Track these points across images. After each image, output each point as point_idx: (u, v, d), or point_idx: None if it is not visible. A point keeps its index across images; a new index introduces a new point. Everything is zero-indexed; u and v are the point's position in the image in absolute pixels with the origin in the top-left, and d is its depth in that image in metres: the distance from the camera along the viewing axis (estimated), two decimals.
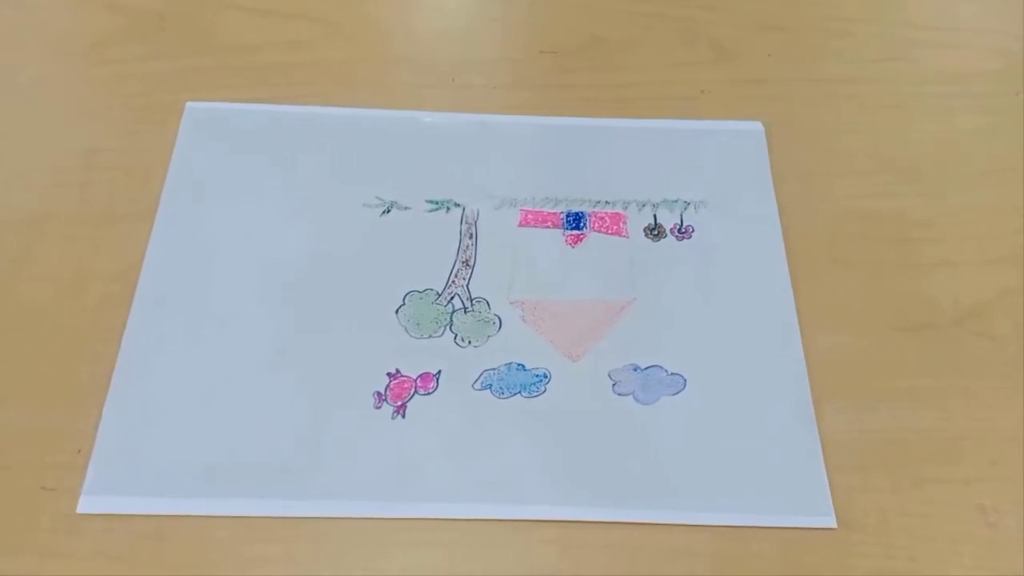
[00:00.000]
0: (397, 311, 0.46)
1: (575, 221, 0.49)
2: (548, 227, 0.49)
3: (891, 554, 0.40)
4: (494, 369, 0.44)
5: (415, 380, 0.44)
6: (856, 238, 0.50)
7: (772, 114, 0.54)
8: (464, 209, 0.50)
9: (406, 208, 0.49)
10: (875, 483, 0.42)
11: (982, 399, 0.44)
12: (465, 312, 0.46)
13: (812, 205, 0.51)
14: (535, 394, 0.44)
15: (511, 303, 0.47)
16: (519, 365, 0.45)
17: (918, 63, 0.57)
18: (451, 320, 0.46)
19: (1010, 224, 0.50)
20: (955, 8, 0.60)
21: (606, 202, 0.50)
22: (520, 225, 0.49)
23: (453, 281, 0.47)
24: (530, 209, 0.50)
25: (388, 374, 0.44)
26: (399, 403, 0.43)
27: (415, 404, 0.43)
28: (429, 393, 0.44)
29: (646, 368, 0.45)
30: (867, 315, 0.47)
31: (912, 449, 0.43)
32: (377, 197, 0.50)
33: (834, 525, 0.41)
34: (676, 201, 0.50)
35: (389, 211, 0.49)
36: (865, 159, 0.53)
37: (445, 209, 0.49)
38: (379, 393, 0.44)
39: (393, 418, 0.43)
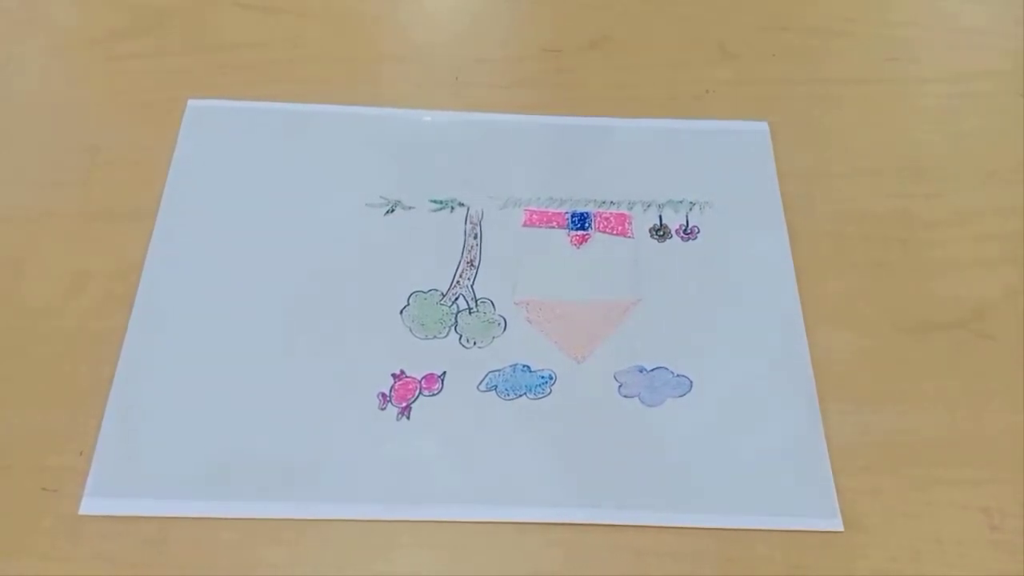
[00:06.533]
0: (401, 311, 0.46)
1: (580, 221, 0.49)
2: (553, 227, 0.49)
3: (895, 556, 0.40)
4: (499, 370, 0.44)
5: (420, 381, 0.44)
6: (860, 239, 0.49)
7: (776, 114, 0.54)
8: (468, 209, 0.49)
9: (410, 208, 0.49)
10: (879, 485, 0.42)
11: (987, 401, 0.44)
12: (470, 313, 0.46)
13: (815, 205, 0.50)
14: (540, 396, 0.44)
15: (516, 304, 0.46)
16: (524, 366, 0.44)
17: (921, 64, 0.57)
18: (456, 321, 0.46)
19: (1013, 225, 0.50)
20: (957, 9, 0.60)
21: (611, 202, 0.50)
22: (525, 225, 0.49)
23: (458, 281, 0.47)
24: (535, 209, 0.50)
25: (393, 375, 0.44)
26: (404, 404, 0.43)
27: (420, 405, 0.43)
28: (434, 394, 0.44)
29: (652, 370, 0.44)
30: (871, 316, 0.47)
31: (917, 451, 0.43)
32: (381, 196, 0.49)
33: (841, 528, 0.41)
34: (681, 202, 0.50)
35: (393, 210, 0.49)
36: (868, 159, 0.53)
37: (449, 209, 0.49)
38: (384, 394, 0.43)
39: (398, 419, 0.43)
